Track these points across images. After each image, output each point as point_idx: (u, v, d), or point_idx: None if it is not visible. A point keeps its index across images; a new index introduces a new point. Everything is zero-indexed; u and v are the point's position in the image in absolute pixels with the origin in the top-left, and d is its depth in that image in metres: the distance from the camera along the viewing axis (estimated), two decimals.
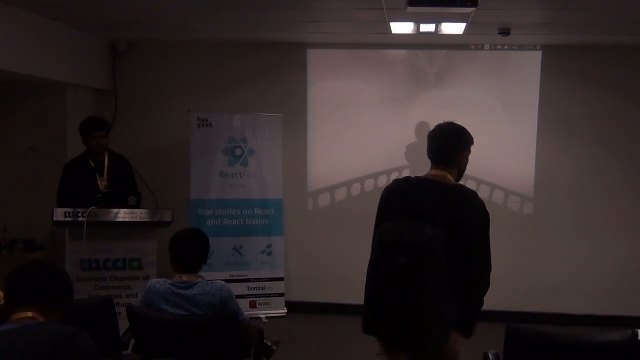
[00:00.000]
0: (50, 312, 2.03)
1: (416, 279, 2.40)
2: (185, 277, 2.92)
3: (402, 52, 5.82)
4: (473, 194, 2.64)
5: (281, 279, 5.63)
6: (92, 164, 4.57)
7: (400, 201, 2.67)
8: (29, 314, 1.98)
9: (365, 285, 2.61)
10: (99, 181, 4.54)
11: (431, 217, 2.48)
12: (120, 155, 4.74)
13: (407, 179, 2.75)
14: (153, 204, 4.53)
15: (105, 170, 4.58)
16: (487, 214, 2.65)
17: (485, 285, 2.66)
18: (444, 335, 2.51)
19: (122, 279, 4.42)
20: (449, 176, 2.67)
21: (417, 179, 2.72)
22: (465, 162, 2.73)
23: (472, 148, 2.78)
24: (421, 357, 2.62)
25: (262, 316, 5.51)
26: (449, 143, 2.69)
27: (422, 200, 2.57)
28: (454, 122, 2.76)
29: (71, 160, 4.67)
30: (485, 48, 5.69)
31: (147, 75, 5.93)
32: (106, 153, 4.62)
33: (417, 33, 5.06)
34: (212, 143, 5.49)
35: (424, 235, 2.42)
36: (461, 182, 2.80)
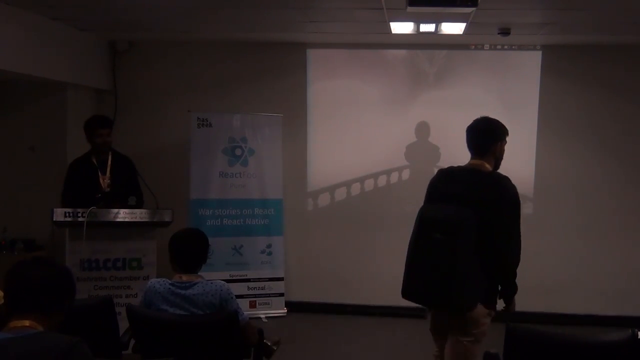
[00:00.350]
0: (51, 315, 1.95)
1: (448, 252, 2.80)
2: (185, 277, 2.92)
3: (402, 52, 5.82)
4: (504, 179, 2.95)
5: (281, 279, 5.63)
6: (96, 163, 4.58)
7: (441, 187, 3.06)
8: (27, 322, 1.88)
9: (406, 256, 3.01)
10: (101, 180, 4.54)
11: (465, 200, 2.85)
12: (124, 155, 4.75)
13: (450, 168, 3.13)
14: (153, 204, 4.54)
15: (108, 169, 4.58)
16: (516, 197, 2.93)
17: (512, 260, 2.92)
18: (470, 302, 2.86)
19: (122, 279, 4.42)
20: (486, 165, 3.01)
21: (457, 167, 3.09)
22: (501, 152, 3.06)
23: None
24: (453, 322, 2.97)
25: (262, 316, 5.51)
26: (484, 136, 3.04)
27: (458, 186, 2.95)
28: (489, 116, 3.13)
29: (76, 160, 4.69)
30: (485, 48, 5.69)
31: (147, 75, 5.93)
32: (110, 152, 4.64)
33: (417, 33, 5.06)
34: (212, 143, 5.49)
35: (456, 215, 2.82)
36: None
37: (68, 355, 1.81)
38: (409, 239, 3.05)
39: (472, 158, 3.06)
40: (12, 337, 1.84)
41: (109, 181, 4.55)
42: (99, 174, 4.55)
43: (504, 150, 3.07)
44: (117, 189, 4.52)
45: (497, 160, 3.05)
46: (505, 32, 4.99)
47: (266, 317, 5.52)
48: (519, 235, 2.95)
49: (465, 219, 2.80)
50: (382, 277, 5.82)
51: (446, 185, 3.03)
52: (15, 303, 1.93)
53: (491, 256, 2.85)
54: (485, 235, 2.81)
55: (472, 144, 3.07)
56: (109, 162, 4.60)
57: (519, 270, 5.94)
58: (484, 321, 2.97)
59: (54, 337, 1.87)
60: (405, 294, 3.01)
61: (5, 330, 1.89)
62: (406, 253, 3.06)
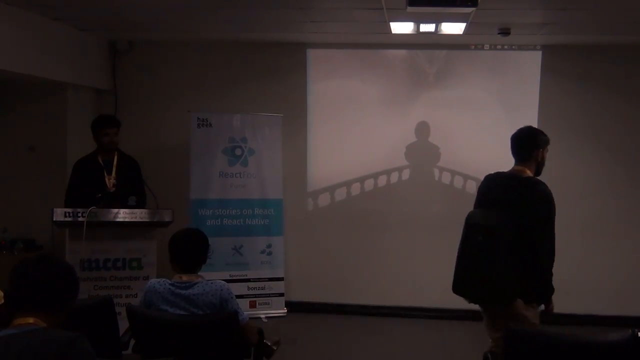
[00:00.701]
0: (54, 313, 1.97)
1: (487, 253, 3.10)
2: (185, 277, 2.92)
3: (402, 52, 5.82)
4: (539, 184, 3.19)
5: (281, 279, 5.63)
6: (101, 162, 4.58)
7: (485, 192, 3.39)
8: (30, 320, 1.91)
9: (457, 256, 3.30)
10: (106, 179, 4.55)
11: (504, 204, 3.14)
12: (130, 156, 4.76)
13: (495, 173, 3.40)
14: (153, 204, 4.54)
15: (114, 169, 4.58)
16: (551, 201, 3.16)
17: (546, 260, 3.17)
18: (508, 297, 3.12)
19: (122, 279, 4.42)
20: (527, 170, 3.25)
21: (501, 173, 3.36)
22: (542, 159, 3.29)
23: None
24: (499, 316, 3.21)
25: (262, 316, 5.51)
26: (524, 143, 3.28)
27: (499, 191, 3.26)
28: (532, 126, 3.42)
29: (81, 159, 4.69)
30: (485, 48, 5.69)
31: (147, 75, 5.93)
32: (116, 152, 4.64)
33: (417, 33, 5.06)
34: (212, 143, 5.49)
35: (495, 219, 3.12)
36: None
37: (68, 349, 1.84)
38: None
39: (515, 164, 3.32)
40: (15, 332, 1.87)
41: (114, 181, 4.56)
42: (105, 173, 4.56)
43: (545, 157, 3.31)
44: (122, 189, 4.52)
45: (539, 166, 3.30)
46: (505, 32, 4.99)
47: (266, 317, 5.52)
48: (552, 237, 3.18)
49: (503, 222, 3.08)
50: (382, 277, 5.83)
51: (489, 191, 3.36)
52: (19, 301, 1.94)
53: (527, 256, 3.08)
54: (521, 236, 3.06)
55: (514, 151, 3.32)
56: (115, 162, 4.60)
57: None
58: (530, 318, 3.16)
59: (55, 332, 1.90)
60: (455, 289, 3.31)
61: (10, 327, 1.92)
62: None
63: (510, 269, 3.08)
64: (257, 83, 5.84)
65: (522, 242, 3.07)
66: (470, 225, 3.24)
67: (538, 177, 3.28)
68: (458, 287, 3.30)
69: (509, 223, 3.08)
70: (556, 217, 5.91)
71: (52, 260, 2.07)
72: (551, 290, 3.22)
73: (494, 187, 3.34)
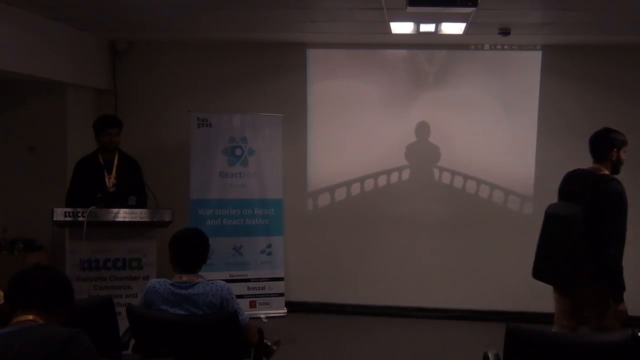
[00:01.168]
0: (52, 313, 2.04)
1: (562, 242, 3.45)
2: (185, 277, 2.92)
3: (402, 52, 5.82)
4: (611, 181, 3.43)
5: (281, 279, 5.63)
6: (102, 162, 4.59)
7: (563, 187, 3.71)
8: (30, 317, 1.98)
9: (537, 245, 3.68)
10: (107, 179, 4.55)
11: (578, 198, 3.44)
12: (131, 157, 4.76)
13: (574, 171, 3.68)
14: (153, 204, 4.53)
15: (114, 169, 4.59)
16: (621, 197, 3.38)
17: (612, 253, 3.35)
18: (581, 281, 3.42)
19: (122, 279, 4.42)
20: (602, 169, 3.52)
21: (580, 170, 3.64)
22: (618, 158, 3.53)
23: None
24: (575, 297, 3.56)
25: (262, 316, 5.51)
26: (600, 143, 3.54)
27: (576, 186, 3.56)
28: (610, 127, 3.59)
29: (82, 158, 4.71)
30: (485, 48, 5.69)
31: (147, 75, 5.93)
32: (117, 152, 4.64)
33: (417, 33, 5.06)
34: (212, 143, 5.49)
35: (568, 212, 3.44)
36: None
37: (67, 344, 1.88)
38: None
39: (592, 162, 3.58)
40: (14, 330, 1.94)
41: (114, 181, 4.56)
42: (105, 173, 4.56)
43: (621, 156, 3.54)
44: (122, 189, 4.52)
45: (615, 165, 3.54)
46: (505, 32, 4.99)
47: (266, 317, 5.52)
48: (621, 231, 3.39)
49: (576, 215, 3.38)
50: (382, 277, 5.83)
51: (567, 186, 3.67)
52: (18, 303, 2.02)
53: (596, 248, 3.32)
54: (592, 229, 3.33)
55: (591, 151, 3.58)
56: (115, 162, 4.61)
57: (519, 270, 6.04)
58: (604, 310, 3.39)
59: (55, 328, 1.96)
60: (534, 274, 3.68)
61: (10, 325, 1.98)
62: None
63: (581, 258, 3.35)
64: (257, 83, 5.84)
65: (593, 233, 3.33)
66: (548, 216, 3.60)
67: (615, 175, 3.52)
68: (537, 272, 3.66)
69: (581, 216, 3.36)
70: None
71: (48, 268, 2.19)
72: (620, 286, 3.37)
73: (571, 182, 3.65)
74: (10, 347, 1.86)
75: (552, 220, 3.57)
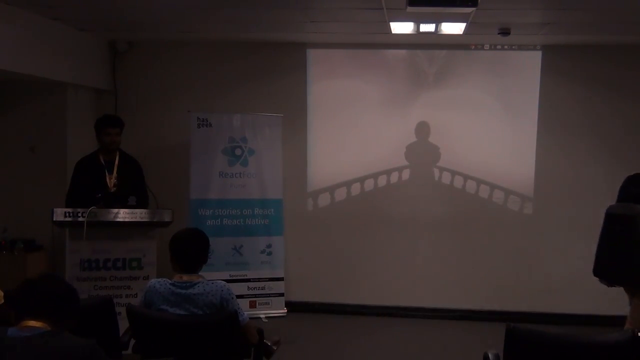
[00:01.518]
0: (59, 323, 2.04)
1: (624, 240, 3.63)
2: (185, 277, 2.92)
3: (402, 52, 5.82)
4: None
5: (281, 279, 5.63)
6: (103, 162, 4.58)
7: (624, 188, 3.86)
8: (39, 324, 1.99)
9: (597, 244, 3.87)
10: (107, 179, 4.56)
11: (638, 199, 3.61)
12: (131, 157, 4.77)
13: (635, 174, 3.87)
14: (153, 204, 4.53)
15: (115, 169, 4.59)
16: None
17: None
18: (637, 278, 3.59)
19: (122, 279, 4.42)
20: None
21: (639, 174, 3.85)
22: None
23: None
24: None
25: (262, 316, 5.50)
26: None
27: (636, 188, 3.74)
28: None
29: (82, 158, 4.70)
30: (485, 48, 5.69)
31: (147, 75, 5.93)
32: (118, 153, 4.64)
33: (417, 33, 5.06)
34: (212, 143, 5.48)
35: (629, 212, 3.62)
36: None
37: (90, 355, 1.94)
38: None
39: None
40: (30, 335, 1.95)
41: (115, 181, 4.56)
42: (106, 173, 4.56)
43: None
44: (123, 189, 4.52)
45: None
46: (505, 32, 4.99)
47: (266, 317, 5.51)
48: None
49: (636, 215, 3.56)
50: (382, 277, 5.83)
51: (628, 187, 3.84)
52: (26, 310, 2.03)
53: None
54: None
55: None
56: (116, 162, 4.61)
57: (519, 270, 6.07)
58: None
59: (73, 339, 1.98)
60: (595, 272, 3.86)
61: (19, 329, 1.99)
62: None
63: None
64: (257, 83, 5.84)
65: None
66: (609, 216, 3.78)
67: None
68: (598, 271, 3.84)
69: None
70: (556, 216, 6.02)
71: (55, 278, 2.19)
72: None
73: (631, 184, 3.83)
74: (29, 353, 1.89)
75: (613, 220, 3.73)
